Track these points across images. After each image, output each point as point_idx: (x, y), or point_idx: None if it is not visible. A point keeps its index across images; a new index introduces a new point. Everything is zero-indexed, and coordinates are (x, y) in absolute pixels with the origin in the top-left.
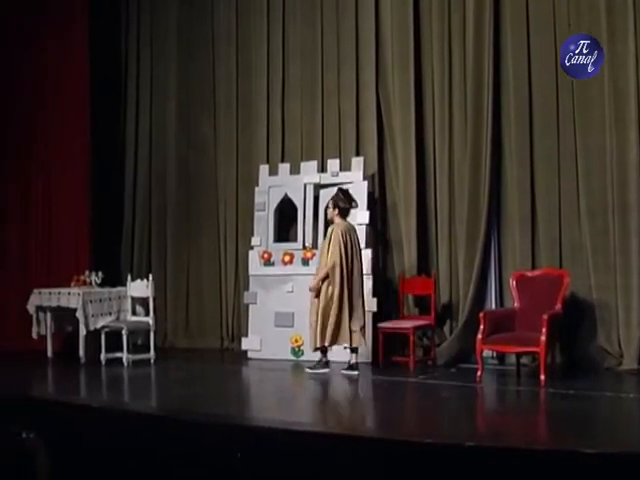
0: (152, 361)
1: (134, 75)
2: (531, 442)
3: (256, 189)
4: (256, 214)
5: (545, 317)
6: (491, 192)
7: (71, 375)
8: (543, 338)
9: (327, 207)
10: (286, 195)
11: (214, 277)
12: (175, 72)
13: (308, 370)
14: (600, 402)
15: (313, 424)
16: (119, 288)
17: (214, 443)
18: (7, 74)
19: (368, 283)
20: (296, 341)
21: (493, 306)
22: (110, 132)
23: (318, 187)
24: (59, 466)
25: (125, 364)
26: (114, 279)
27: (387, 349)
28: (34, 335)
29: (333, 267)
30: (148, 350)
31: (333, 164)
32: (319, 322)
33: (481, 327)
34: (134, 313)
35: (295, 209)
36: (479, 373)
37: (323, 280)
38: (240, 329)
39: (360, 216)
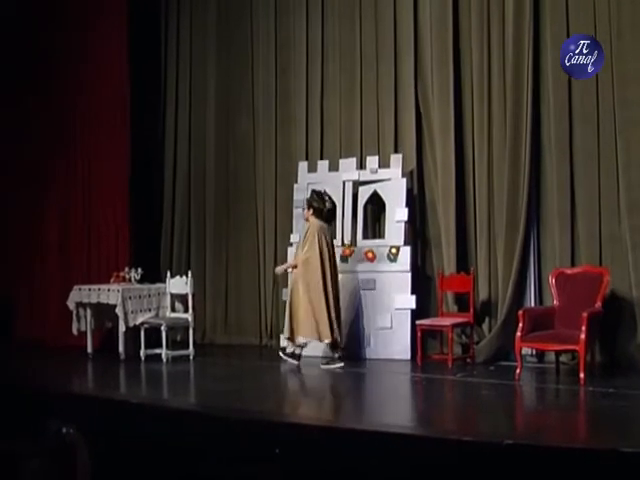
0: (191, 357)
1: (173, 73)
2: (570, 441)
3: (295, 186)
4: (295, 211)
5: (585, 315)
6: (530, 188)
7: (111, 371)
8: (583, 336)
9: (303, 208)
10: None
11: (253, 274)
12: (214, 70)
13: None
14: None
15: (350, 421)
16: (158, 285)
17: (253, 439)
18: (47, 75)
19: (407, 280)
20: None
21: (532, 304)
22: (150, 130)
23: (357, 184)
24: (98, 461)
25: (164, 360)
26: (153, 276)
27: (425, 347)
28: (74, 331)
29: (307, 261)
30: (187, 346)
31: (372, 161)
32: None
33: (520, 325)
34: (173, 310)
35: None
36: (518, 371)
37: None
38: (279, 326)
39: (399, 213)
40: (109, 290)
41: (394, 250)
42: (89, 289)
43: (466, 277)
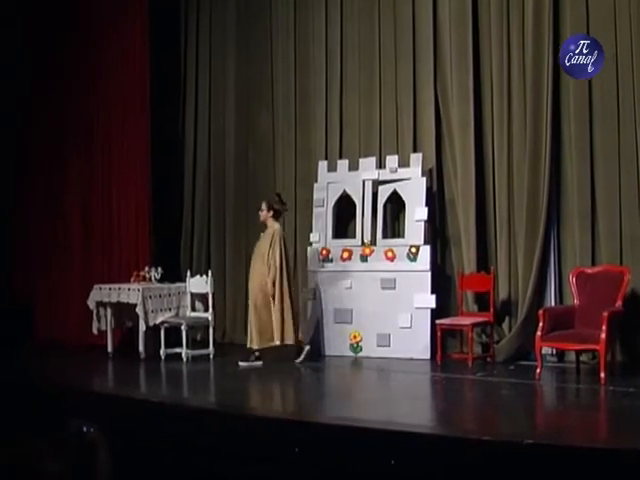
0: (211, 357)
1: (193, 71)
2: (591, 440)
3: (315, 185)
4: (315, 210)
5: (605, 314)
6: (550, 187)
7: (131, 370)
8: (603, 336)
9: (260, 209)
10: (345, 191)
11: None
12: (233, 68)
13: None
14: None
15: (370, 420)
16: (178, 284)
17: (272, 438)
18: (67, 73)
19: (426, 279)
20: (355, 337)
21: (552, 303)
22: (169, 129)
23: (376, 183)
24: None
25: (184, 359)
26: (174, 275)
27: (445, 346)
28: (94, 330)
29: (281, 268)
30: (207, 346)
31: (391, 160)
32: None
33: (540, 324)
34: (193, 309)
35: (354, 205)
36: (538, 370)
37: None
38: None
39: (418, 212)
40: (129, 289)
41: (414, 249)
42: (109, 288)
43: (486, 276)
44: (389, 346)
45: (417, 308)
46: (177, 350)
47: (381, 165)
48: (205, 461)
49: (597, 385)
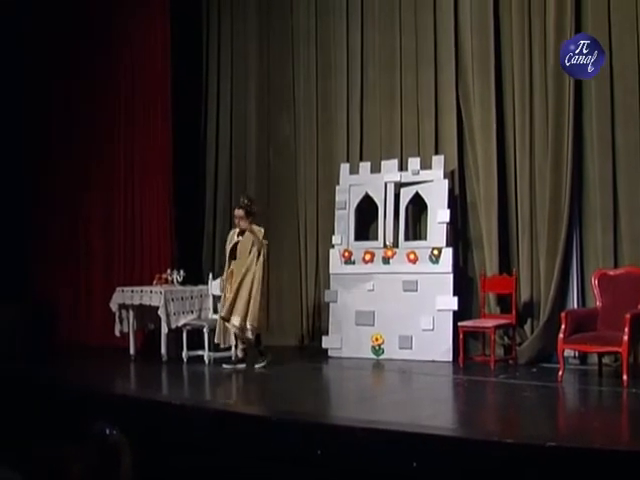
0: (233, 359)
1: (215, 76)
2: (613, 443)
3: (337, 188)
4: (337, 213)
5: (628, 316)
6: (572, 188)
7: (153, 372)
8: (626, 338)
9: (239, 217)
10: (367, 194)
11: (294, 275)
12: (255, 72)
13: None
14: None
15: (392, 423)
16: (200, 286)
17: (294, 441)
18: (90, 75)
19: (449, 281)
20: (377, 339)
21: (575, 305)
22: (191, 131)
23: (398, 185)
24: (141, 462)
25: (206, 362)
26: (196, 277)
27: (467, 348)
28: (117, 333)
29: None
30: (229, 348)
31: (413, 162)
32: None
33: (563, 326)
34: (215, 311)
35: (376, 208)
36: (560, 373)
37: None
38: (320, 328)
39: (441, 214)
40: (151, 292)
41: (436, 251)
42: (132, 291)
43: (508, 278)
44: (411, 348)
45: (439, 310)
46: (199, 352)
47: (403, 167)
48: (226, 463)
49: (619, 387)
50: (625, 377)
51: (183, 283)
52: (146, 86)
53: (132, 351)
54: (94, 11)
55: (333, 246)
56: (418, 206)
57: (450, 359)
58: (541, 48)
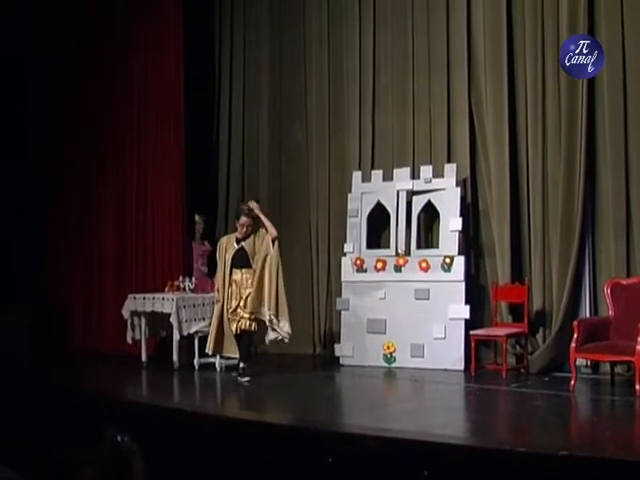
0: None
1: (227, 84)
2: (626, 453)
3: (349, 195)
4: (349, 220)
5: None
6: (585, 198)
7: (164, 379)
8: (638, 347)
9: (247, 224)
10: (379, 202)
11: (306, 283)
12: (267, 80)
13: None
14: None
15: (404, 431)
16: (212, 294)
17: (306, 448)
18: (103, 87)
19: (461, 290)
20: (388, 348)
21: (587, 314)
22: (204, 139)
23: (410, 193)
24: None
25: (218, 369)
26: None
27: (479, 357)
28: (129, 340)
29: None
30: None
31: (426, 170)
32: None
33: (575, 335)
34: None
35: (388, 216)
36: (572, 382)
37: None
38: (332, 336)
39: (453, 223)
40: (163, 299)
41: (448, 260)
42: (144, 298)
43: (520, 287)
44: (423, 357)
45: (451, 319)
46: (211, 360)
47: (415, 175)
48: (238, 470)
49: (632, 397)
50: (638, 387)
51: (195, 290)
52: (159, 94)
53: (144, 358)
54: (111, 21)
55: (345, 254)
56: (430, 214)
57: (462, 368)
58: (554, 55)
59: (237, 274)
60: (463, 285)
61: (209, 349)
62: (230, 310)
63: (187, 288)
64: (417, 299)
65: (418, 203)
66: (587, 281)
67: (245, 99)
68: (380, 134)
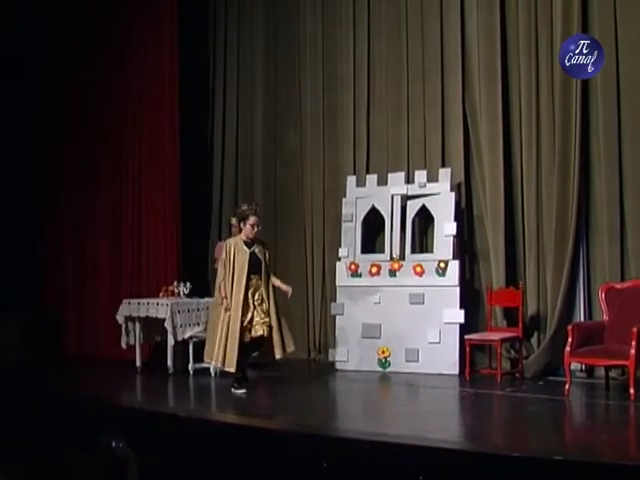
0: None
1: (221, 88)
2: (620, 457)
3: (344, 200)
4: (344, 225)
5: (635, 330)
6: (579, 202)
7: (159, 385)
8: (633, 351)
9: (258, 224)
10: (373, 206)
11: (301, 288)
12: (261, 85)
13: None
14: None
15: (399, 436)
16: (207, 299)
17: (301, 453)
18: (98, 90)
19: (455, 294)
20: (383, 352)
21: (581, 318)
22: (198, 145)
23: (405, 198)
24: (146, 474)
25: (212, 374)
26: (202, 290)
27: (474, 361)
28: (123, 345)
29: None
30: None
31: (420, 175)
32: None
33: (569, 340)
34: None
35: (382, 220)
36: (567, 386)
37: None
38: (327, 340)
39: (447, 227)
40: (158, 304)
41: (442, 264)
42: (138, 303)
43: (515, 291)
44: (417, 361)
45: (446, 323)
46: (205, 365)
47: (409, 180)
48: (232, 476)
49: (626, 401)
50: (632, 391)
51: (189, 295)
52: (153, 100)
53: (138, 363)
54: (106, 25)
55: (340, 259)
56: (424, 219)
57: (456, 372)
58: (548, 61)
59: (252, 279)
60: (458, 290)
61: (230, 366)
62: (247, 319)
63: (182, 293)
64: (412, 304)
65: (413, 208)
66: (581, 285)
67: (239, 104)
68: (375, 139)
